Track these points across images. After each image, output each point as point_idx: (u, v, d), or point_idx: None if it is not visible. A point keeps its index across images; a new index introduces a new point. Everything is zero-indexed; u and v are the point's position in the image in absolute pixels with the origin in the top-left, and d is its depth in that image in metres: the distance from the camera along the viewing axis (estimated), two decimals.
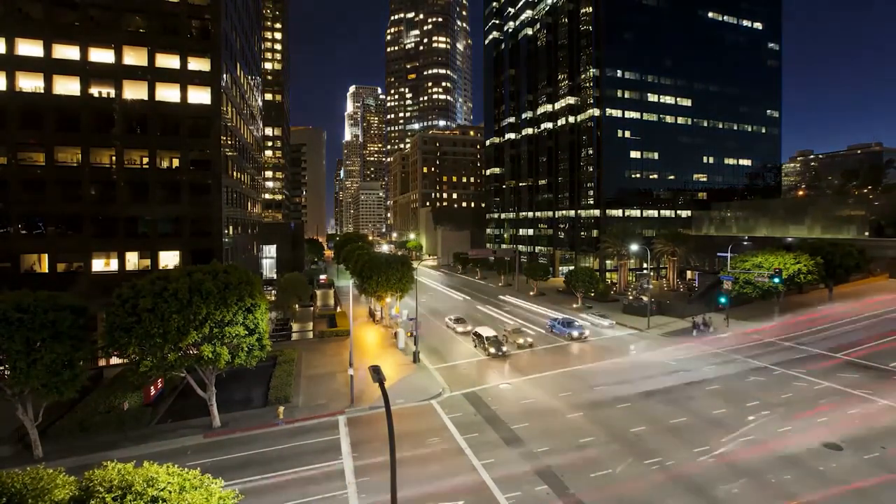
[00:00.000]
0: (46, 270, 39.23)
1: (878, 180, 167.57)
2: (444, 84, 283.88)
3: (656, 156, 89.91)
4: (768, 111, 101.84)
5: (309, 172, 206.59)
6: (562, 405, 29.06)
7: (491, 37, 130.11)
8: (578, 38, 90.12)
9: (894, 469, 20.86)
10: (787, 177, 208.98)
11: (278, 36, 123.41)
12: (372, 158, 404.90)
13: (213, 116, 43.30)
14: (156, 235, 41.90)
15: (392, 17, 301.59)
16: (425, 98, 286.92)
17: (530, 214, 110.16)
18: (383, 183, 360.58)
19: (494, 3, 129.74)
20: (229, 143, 48.27)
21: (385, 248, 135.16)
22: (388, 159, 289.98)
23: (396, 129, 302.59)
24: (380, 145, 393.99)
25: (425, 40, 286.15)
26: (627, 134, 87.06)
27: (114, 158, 40.79)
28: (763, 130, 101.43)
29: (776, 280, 44.10)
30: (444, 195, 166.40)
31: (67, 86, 39.74)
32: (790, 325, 46.73)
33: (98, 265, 40.53)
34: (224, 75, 45.35)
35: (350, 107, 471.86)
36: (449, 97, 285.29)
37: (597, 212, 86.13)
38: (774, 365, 35.34)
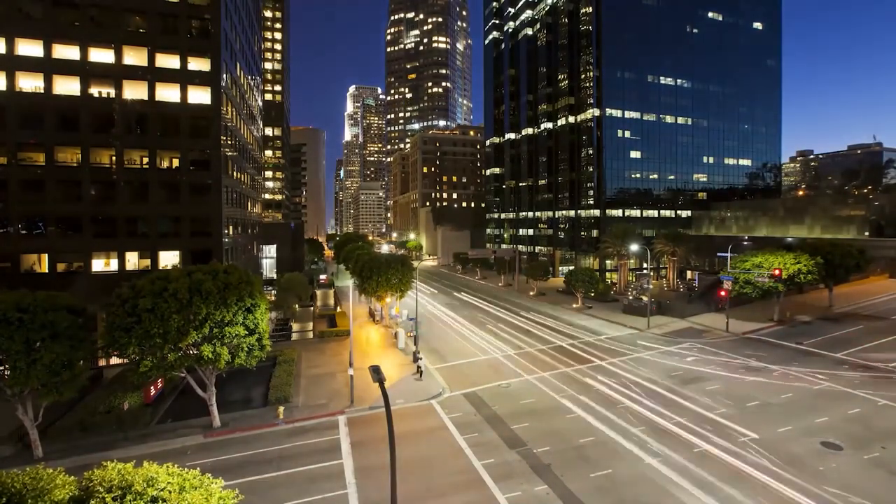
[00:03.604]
0: (46, 270, 39.19)
1: (878, 180, 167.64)
2: (443, 84, 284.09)
3: (656, 156, 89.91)
4: (768, 111, 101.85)
5: (309, 172, 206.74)
6: (562, 405, 29.05)
7: (491, 37, 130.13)
8: (578, 38, 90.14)
9: (894, 469, 20.86)
10: (787, 177, 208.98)
11: (278, 36, 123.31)
12: (372, 158, 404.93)
13: (213, 116, 43.28)
14: (156, 235, 41.87)
15: (392, 17, 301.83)
16: (425, 98, 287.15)
17: (530, 214, 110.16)
18: (383, 183, 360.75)
19: (494, 3, 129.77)
20: (229, 143, 48.26)
21: (385, 248, 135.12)
22: (388, 159, 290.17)
23: (396, 129, 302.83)
24: (380, 145, 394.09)
25: (425, 40, 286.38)
26: (627, 134, 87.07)
27: (114, 158, 40.76)
28: (763, 130, 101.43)
29: (776, 280, 44.08)
30: (444, 195, 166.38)
31: (67, 86, 39.70)
32: (790, 325, 46.74)
33: (98, 265, 40.51)
34: (224, 75, 45.34)
35: (350, 107, 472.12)
36: (449, 97, 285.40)
37: (597, 212, 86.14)
38: (774, 365, 35.34)
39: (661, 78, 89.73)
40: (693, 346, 41.42)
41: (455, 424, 26.70)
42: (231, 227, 48.56)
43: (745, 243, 64.83)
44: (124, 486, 11.81)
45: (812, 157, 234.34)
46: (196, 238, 42.86)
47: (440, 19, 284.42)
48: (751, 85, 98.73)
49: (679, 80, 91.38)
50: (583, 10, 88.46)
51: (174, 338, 23.59)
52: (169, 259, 42.32)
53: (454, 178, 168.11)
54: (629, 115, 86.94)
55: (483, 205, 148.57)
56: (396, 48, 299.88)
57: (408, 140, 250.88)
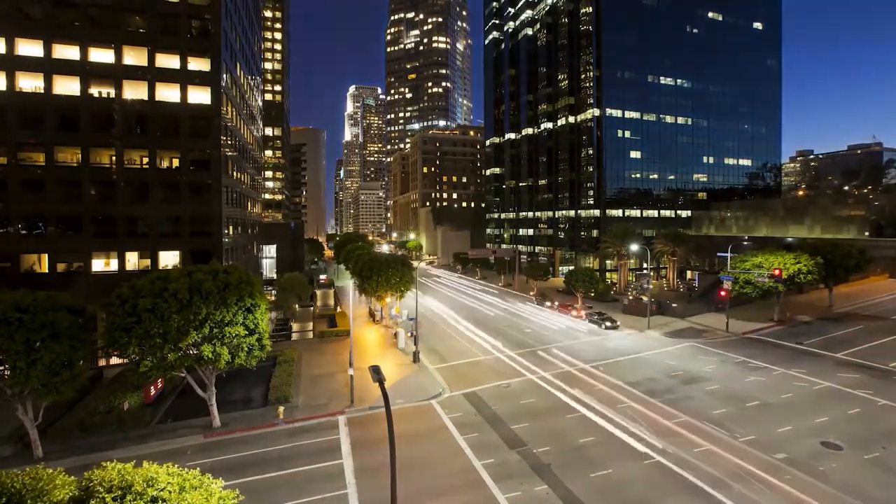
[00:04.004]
0: (46, 270, 39.19)
1: (878, 180, 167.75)
2: (443, 84, 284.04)
3: (656, 156, 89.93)
4: (768, 111, 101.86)
5: (309, 172, 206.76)
6: (562, 405, 29.04)
7: (491, 37, 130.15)
8: (578, 38, 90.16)
9: (894, 469, 20.86)
10: (787, 177, 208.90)
11: (278, 36, 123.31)
12: (372, 158, 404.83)
13: (213, 116, 43.28)
14: (156, 235, 41.86)
15: (392, 17, 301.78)
16: (425, 98, 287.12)
17: (530, 214, 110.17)
18: (383, 183, 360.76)
19: (494, 3, 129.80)
20: (229, 143, 48.26)
21: (385, 248, 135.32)
22: (388, 159, 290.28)
23: (396, 129, 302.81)
24: (380, 145, 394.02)
25: (425, 40, 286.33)
26: (627, 134, 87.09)
27: (114, 158, 40.76)
28: (763, 130, 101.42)
29: (776, 280, 44.08)
30: (444, 195, 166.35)
31: (67, 86, 39.69)
32: (790, 325, 46.72)
33: (98, 265, 40.50)
34: (224, 75, 45.33)
35: (350, 107, 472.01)
36: (449, 97, 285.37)
37: (597, 212, 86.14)
38: (774, 365, 35.33)
39: (661, 78, 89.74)
40: (693, 347, 41.41)
41: (455, 424, 26.70)
42: (231, 227, 48.56)
43: (745, 243, 64.85)
44: (124, 486, 11.81)
45: (812, 157, 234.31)
46: (196, 238, 42.85)
47: (440, 19, 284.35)
48: (751, 85, 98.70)
49: (679, 80, 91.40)
50: (583, 10, 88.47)
51: (174, 338, 23.58)
52: (169, 259, 42.31)
53: (454, 178, 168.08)
54: (629, 115, 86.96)
55: (483, 205, 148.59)
56: (396, 48, 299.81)
57: (408, 140, 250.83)
